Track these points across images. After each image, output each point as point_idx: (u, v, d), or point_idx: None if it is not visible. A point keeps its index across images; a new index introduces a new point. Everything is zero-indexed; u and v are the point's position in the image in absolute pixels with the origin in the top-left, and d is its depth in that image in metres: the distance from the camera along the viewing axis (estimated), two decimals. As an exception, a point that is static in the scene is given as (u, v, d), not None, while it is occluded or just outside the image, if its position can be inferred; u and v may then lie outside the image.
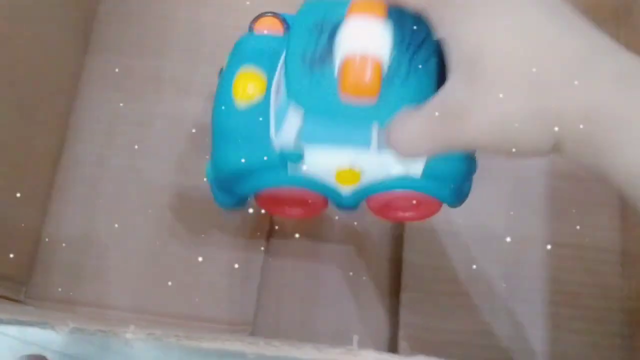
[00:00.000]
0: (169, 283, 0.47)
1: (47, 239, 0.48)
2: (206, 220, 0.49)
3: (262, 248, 0.48)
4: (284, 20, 0.44)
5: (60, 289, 0.47)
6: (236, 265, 0.47)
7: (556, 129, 0.24)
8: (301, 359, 0.23)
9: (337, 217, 0.49)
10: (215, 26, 0.53)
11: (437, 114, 0.26)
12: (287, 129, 0.34)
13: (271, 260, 0.49)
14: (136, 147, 0.50)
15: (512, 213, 0.49)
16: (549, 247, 0.48)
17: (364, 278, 0.48)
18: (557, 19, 0.25)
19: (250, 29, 0.44)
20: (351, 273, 0.48)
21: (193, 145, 0.50)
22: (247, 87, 0.36)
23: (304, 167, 0.34)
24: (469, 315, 0.47)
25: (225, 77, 0.37)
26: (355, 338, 0.24)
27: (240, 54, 0.38)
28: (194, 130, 0.50)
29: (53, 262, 0.48)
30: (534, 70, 0.24)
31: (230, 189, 0.37)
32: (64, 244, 0.48)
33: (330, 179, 0.35)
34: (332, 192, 0.36)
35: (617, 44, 0.25)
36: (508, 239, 0.49)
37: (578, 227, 0.49)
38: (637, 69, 0.24)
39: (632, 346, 0.47)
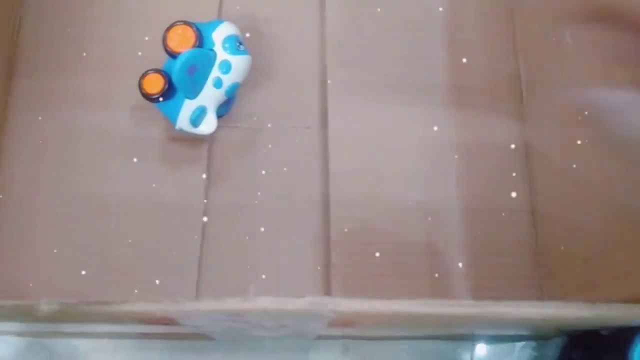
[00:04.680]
0: (108, 283, 0.49)
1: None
2: (139, 224, 0.51)
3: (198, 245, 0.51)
4: (196, 29, 0.47)
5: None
6: (174, 262, 0.50)
7: None
8: (201, 309, 0.26)
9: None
10: (130, 40, 0.55)
11: None
12: None
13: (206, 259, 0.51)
14: (66, 161, 0.52)
15: (427, 185, 0.53)
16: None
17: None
18: None
19: (164, 38, 0.47)
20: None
21: (120, 154, 0.53)
22: None
23: None
24: (396, 275, 0.50)
25: None
26: (252, 287, 0.26)
27: None
28: (119, 140, 0.53)
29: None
30: None
31: None
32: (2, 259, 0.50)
33: None
34: None
35: None
36: (425, 209, 0.52)
37: (490, 193, 0.53)
38: None
39: (549, 297, 0.51)
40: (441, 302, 0.27)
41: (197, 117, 0.48)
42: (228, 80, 0.49)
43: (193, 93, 0.48)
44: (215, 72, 0.48)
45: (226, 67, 0.48)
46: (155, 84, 0.48)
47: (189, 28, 0.47)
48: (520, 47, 0.57)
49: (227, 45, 0.48)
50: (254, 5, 0.57)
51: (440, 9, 0.57)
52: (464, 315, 0.27)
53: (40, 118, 0.53)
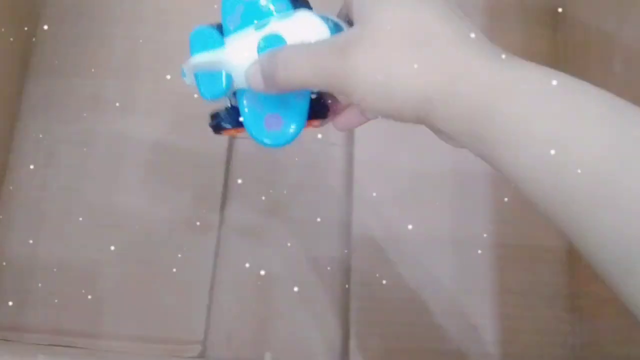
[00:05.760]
0: (116, 305, 0.47)
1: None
2: (151, 240, 0.48)
3: (210, 265, 0.48)
4: None
5: (5, 316, 0.47)
6: (184, 282, 0.47)
7: (427, 94, 0.25)
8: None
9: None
10: (152, 41, 0.52)
11: (325, 47, 0.27)
12: None
13: (219, 280, 0.48)
14: (78, 167, 0.50)
15: (456, 217, 0.49)
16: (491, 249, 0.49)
17: (314, 289, 0.48)
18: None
19: None
20: (296, 288, 0.47)
21: (136, 163, 0.50)
22: None
23: None
24: (419, 321, 0.47)
25: None
26: (268, 355, 0.23)
27: None
28: (136, 148, 0.50)
29: (-3, 288, 0.47)
30: (420, 36, 0.26)
31: None
32: (8, 270, 0.48)
33: None
34: None
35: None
36: (454, 244, 0.49)
37: (522, 228, 0.49)
38: (503, 55, 0.26)
39: (582, 344, 0.47)
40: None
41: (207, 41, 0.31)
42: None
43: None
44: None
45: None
46: None
47: None
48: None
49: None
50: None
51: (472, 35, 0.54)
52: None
53: (53, 121, 0.51)
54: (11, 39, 0.50)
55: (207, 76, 0.30)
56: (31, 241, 0.48)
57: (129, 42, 0.53)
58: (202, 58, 0.30)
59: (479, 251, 0.48)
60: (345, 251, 0.48)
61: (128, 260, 0.48)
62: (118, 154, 0.50)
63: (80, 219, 0.49)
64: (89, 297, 0.47)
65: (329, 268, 0.48)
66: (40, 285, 0.47)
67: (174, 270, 0.48)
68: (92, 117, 0.51)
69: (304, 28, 0.29)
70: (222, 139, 0.50)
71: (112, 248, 0.48)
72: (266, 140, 0.30)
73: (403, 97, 0.26)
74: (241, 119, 0.31)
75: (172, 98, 0.51)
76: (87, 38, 0.53)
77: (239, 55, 0.30)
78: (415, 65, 0.25)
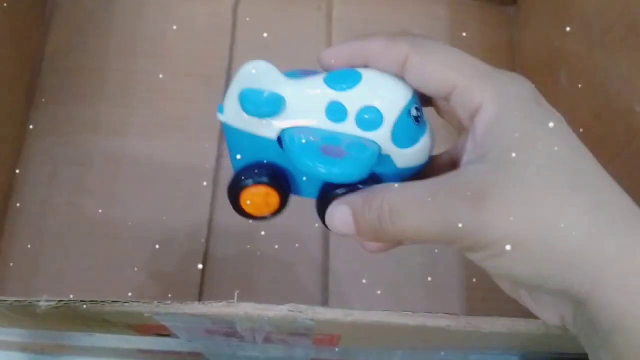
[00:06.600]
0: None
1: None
2: (145, 248, 0.53)
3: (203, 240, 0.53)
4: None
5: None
6: (177, 280, 0.52)
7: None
8: (190, 313, 0.28)
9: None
10: (145, 73, 0.58)
11: (449, 193, 0.22)
12: None
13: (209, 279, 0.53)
14: (77, 185, 0.55)
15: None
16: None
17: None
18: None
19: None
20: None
21: (131, 180, 0.55)
22: None
23: None
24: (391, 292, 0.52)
25: None
26: (236, 293, 0.28)
27: None
28: (130, 166, 0.55)
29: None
30: (586, 180, 0.22)
31: None
32: (13, 273, 0.52)
33: None
34: None
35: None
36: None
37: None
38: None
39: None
40: (417, 313, 0.29)
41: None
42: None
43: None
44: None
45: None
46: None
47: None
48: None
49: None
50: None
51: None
52: (439, 328, 0.28)
53: (56, 144, 0.56)
54: (18, 74, 0.56)
55: (254, 95, 0.25)
56: (35, 254, 0.53)
57: (123, 74, 0.59)
58: (251, 82, 0.25)
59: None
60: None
61: (125, 268, 0.52)
62: (114, 172, 0.55)
63: (81, 231, 0.54)
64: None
65: (310, 263, 0.53)
66: (42, 292, 0.52)
67: (167, 277, 0.52)
68: (90, 141, 0.56)
69: (387, 91, 0.24)
70: (210, 155, 0.56)
71: (109, 257, 0.53)
72: (321, 168, 0.24)
73: (565, 258, 0.21)
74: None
75: (163, 122, 0.57)
76: (85, 71, 0.59)
77: (301, 101, 0.25)
78: (586, 218, 0.21)
